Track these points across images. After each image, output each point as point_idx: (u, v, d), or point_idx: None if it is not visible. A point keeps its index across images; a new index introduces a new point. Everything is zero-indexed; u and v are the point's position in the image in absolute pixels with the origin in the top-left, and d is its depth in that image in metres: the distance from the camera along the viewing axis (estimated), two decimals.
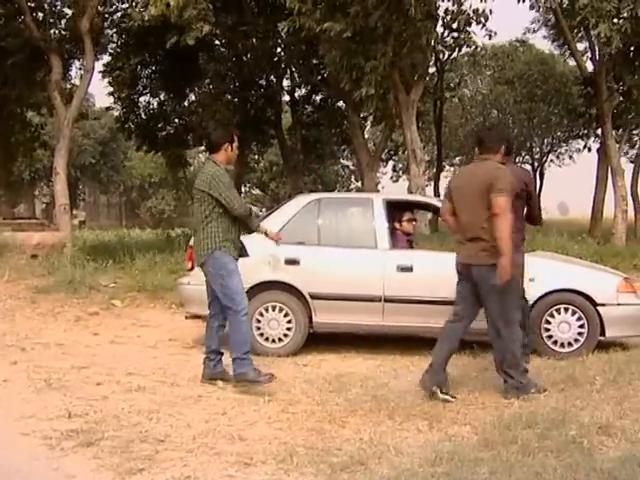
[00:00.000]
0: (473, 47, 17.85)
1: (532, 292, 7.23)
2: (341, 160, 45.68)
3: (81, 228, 39.05)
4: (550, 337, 7.58)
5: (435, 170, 32.92)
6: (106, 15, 20.31)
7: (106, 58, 22.95)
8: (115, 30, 21.79)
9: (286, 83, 27.10)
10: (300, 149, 28.03)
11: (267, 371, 6.26)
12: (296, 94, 27.52)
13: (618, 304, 7.65)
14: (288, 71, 26.18)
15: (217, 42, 23.21)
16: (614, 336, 7.76)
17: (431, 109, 30.93)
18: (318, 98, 27.63)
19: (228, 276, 6.15)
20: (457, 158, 44.38)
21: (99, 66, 22.87)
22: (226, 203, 6.12)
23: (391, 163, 47.33)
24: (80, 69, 21.55)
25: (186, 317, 8.75)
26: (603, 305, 7.51)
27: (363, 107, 16.24)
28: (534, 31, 31.97)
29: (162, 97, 25.58)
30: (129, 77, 23.32)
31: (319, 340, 8.05)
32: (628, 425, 4.96)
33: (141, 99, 25.49)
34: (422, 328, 8.00)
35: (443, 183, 39.36)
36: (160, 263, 13.72)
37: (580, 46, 24.17)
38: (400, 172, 46.59)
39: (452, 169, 45.84)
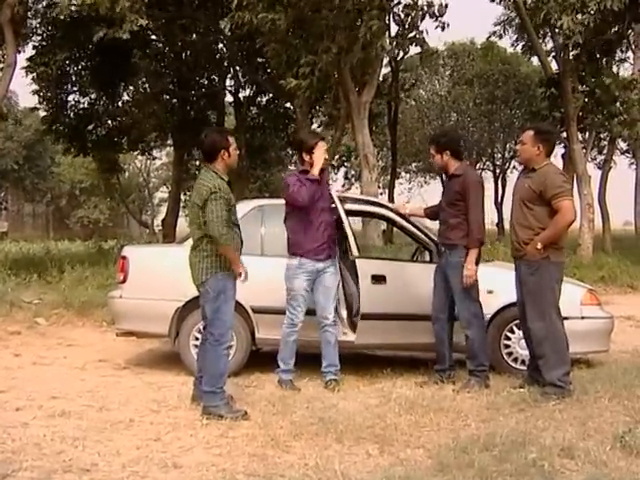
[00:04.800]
0: (427, 50, 18.00)
1: (491, 305, 7.29)
2: (289, 166, 45.80)
3: (3, 240, 38.48)
4: (510, 354, 7.63)
5: (390, 177, 33.10)
6: (30, 3, 19.93)
7: (30, 52, 22.67)
8: (40, 21, 21.45)
9: (229, 83, 27.11)
10: (244, 154, 28.02)
11: (240, 407, 6.20)
12: (240, 95, 27.55)
13: (582, 317, 7.74)
14: (231, 70, 26.16)
15: (153, 37, 23.09)
16: (578, 352, 7.84)
17: (385, 111, 31.16)
18: (264, 99, 27.68)
19: (225, 302, 6.10)
20: (413, 164, 44.73)
21: (22, 61, 22.57)
22: (210, 229, 5.98)
23: (343, 170, 47.59)
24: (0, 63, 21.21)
25: (117, 334, 8.65)
26: (566, 319, 7.55)
27: (295, 98, 16.28)
28: (500, 36, 32.37)
29: (93, 96, 25.37)
30: (56, 73, 22.98)
31: (262, 358, 8.01)
32: (592, 446, 4.99)
33: (70, 98, 25.25)
34: (374, 344, 8.06)
35: (398, 190, 39.76)
36: (90, 277, 13.61)
37: (546, 48, 24.64)
38: (353, 179, 46.83)
39: (408, 176, 46.21)
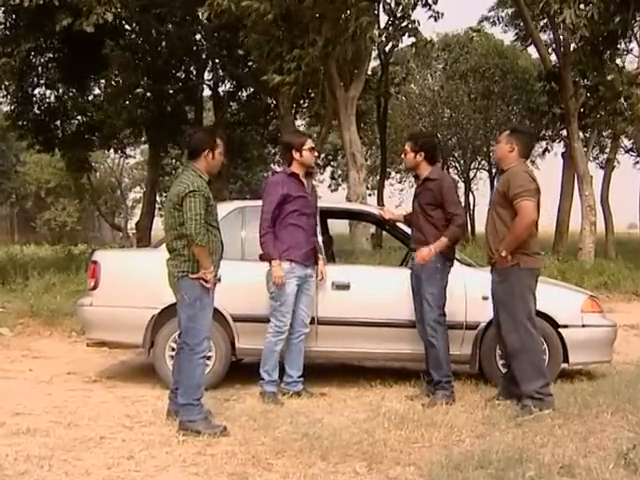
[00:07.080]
0: (421, 41, 18.01)
1: (485, 312, 7.30)
2: (271, 165, 45.79)
3: None
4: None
5: (379, 177, 33.11)
6: None
7: None
8: (2, 9, 21.29)
9: (208, 76, 27.06)
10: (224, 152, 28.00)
11: (219, 422, 6.18)
12: (219, 89, 27.51)
13: (583, 325, 7.74)
14: (210, 62, 26.13)
15: (126, 27, 23.02)
16: (579, 362, 7.87)
17: (374, 107, 31.17)
18: (245, 94, 27.64)
19: (201, 310, 6.10)
20: (404, 163, 44.77)
21: None
22: (186, 227, 5.97)
23: (329, 169, 47.61)
24: None
25: (88, 345, 8.63)
26: (566, 327, 7.58)
27: (278, 94, 16.35)
28: (493, 22, 32.49)
29: (61, 90, 25.23)
30: (20, 65, 22.80)
31: (243, 370, 8.00)
32: (594, 464, 4.99)
33: (35, 91, 25.10)
34: (360, 354, 8.06)
35: (388, 192, 39.76)
36: (59, 284, 13.57)
37: (544, 37, 24.75)
38: (339, 180, 46.92)
39: (398, 176, 46.23)
